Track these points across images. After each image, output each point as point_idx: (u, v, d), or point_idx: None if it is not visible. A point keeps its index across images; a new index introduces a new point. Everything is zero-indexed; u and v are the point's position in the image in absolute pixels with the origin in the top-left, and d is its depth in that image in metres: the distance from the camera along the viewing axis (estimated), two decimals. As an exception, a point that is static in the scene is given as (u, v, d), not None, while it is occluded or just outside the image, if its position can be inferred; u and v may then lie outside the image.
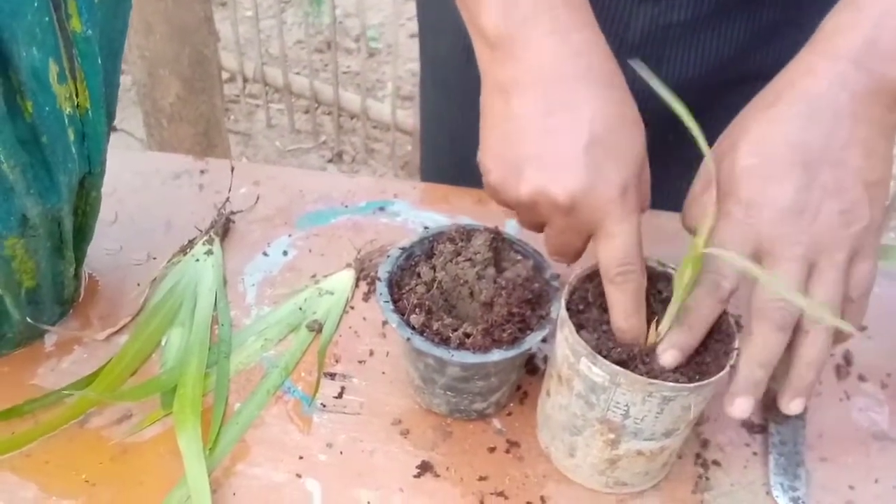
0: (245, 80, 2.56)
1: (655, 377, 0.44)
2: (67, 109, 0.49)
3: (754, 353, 0.46)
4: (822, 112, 0.46)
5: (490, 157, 0.50)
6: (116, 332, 0.60)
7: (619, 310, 0.47)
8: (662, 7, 0.67)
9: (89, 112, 0.51)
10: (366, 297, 0.65)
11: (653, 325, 0.46)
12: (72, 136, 0.50)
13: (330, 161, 2.47)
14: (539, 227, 0.52)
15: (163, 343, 0.59)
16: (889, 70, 0.45)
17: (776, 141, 0.47)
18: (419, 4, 0.86)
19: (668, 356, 0.46)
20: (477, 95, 0.82)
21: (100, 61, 0.50)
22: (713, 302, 0.46)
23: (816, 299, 0.46)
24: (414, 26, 0.91)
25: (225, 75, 2.40)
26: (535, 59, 0.47)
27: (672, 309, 0.45)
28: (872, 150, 0.46)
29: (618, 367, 0.44)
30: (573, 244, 0.50)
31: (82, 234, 0.59)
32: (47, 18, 0.45)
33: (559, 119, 0.47)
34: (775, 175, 0.46)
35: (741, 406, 0.47)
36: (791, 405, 0.49)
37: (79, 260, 0.60)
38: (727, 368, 0.45)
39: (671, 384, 0.43)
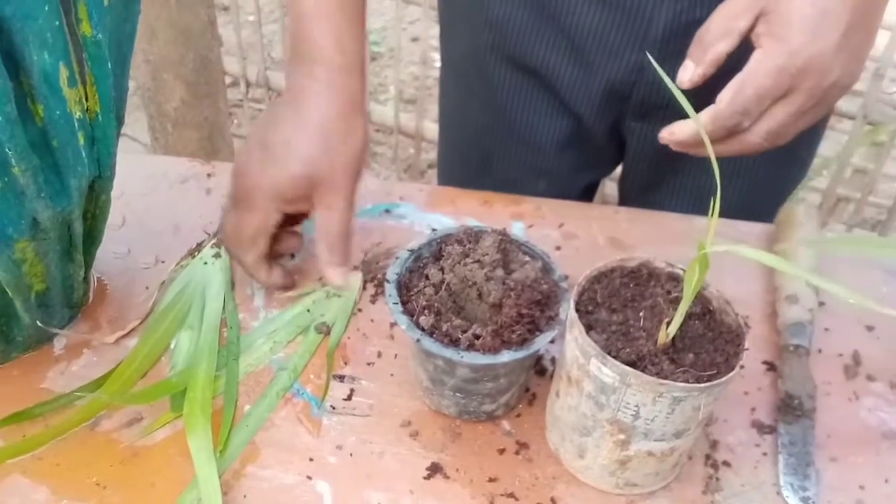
0: (248, 85, 2.56)
1: (665, 378, 0.44)
2: (77, 113, 0.49)
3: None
4: None
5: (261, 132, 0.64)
6: (125, 336, 0.60)
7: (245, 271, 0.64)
8: (685, 4, 0.67)
9: (99, 116, 0.51)
10: (373, 300, 0.65)
11: (663, 327, 0.46)
12: (82, 140, 0.50)
13: (333, 165, 2.47)
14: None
15: (172, 346, 0.59)
16: None
17: None
18: (441, 5, 0.87)
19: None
20: (498, 93, 0.82)
21: (109, 65, 0.50)
22: (728, 130, 0.56)
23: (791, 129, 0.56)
24: (415, 30, 0.92)
25: (228, 80, 2.41)
26: (298, 86, 0.61)
27: (682, 308, 0.45)
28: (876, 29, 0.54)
29: (628, 368, 0.44)
30: None
31: (92, 237, 0.59)
32: (58, 22, 0.45)
33: (269, 126, 0.62)
34: (825, 28, 0.52)
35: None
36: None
37: (88, 263, 0.60)
38: (737, 369, 0.45)
39: (682, 384, 0.43)
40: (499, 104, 0.81)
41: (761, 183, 0.80)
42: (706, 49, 0.57)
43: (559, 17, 0.72)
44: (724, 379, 0.44)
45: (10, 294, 0.52)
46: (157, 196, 0.74)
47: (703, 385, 0.43)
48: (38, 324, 0.56)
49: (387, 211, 0.74)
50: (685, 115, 0.47)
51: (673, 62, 0.69)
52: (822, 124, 0.82)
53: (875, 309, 0.40)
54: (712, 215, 0.43)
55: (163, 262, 0.67)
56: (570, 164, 0.84)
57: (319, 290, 0.64)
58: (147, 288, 0.64)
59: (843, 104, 1.80)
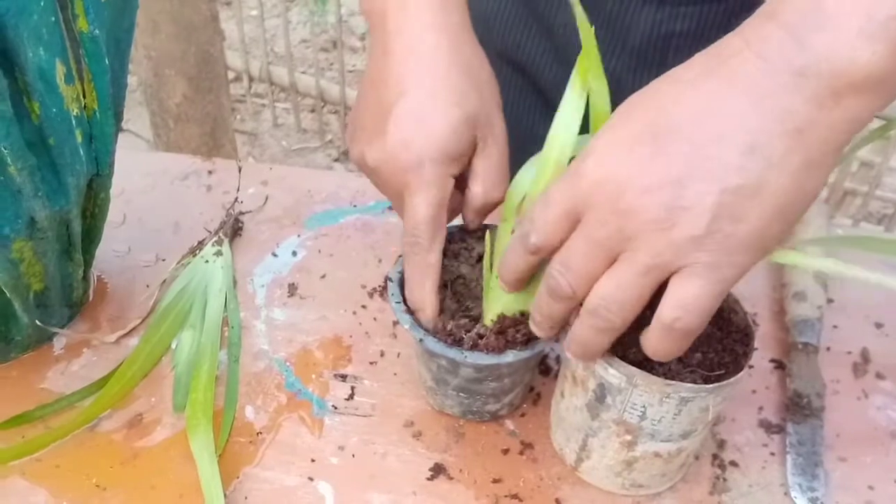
0: (251, 80, 2.56)
1: (673, 378, 0.43)
2: (75, 111, 0.49)
3: (535, 303, 0.44)
4: (716, 78, 0.37)
5: (350, 118, 0.54)
6: (126, 335, 0.60)
7: (406, 281, 0.51)
8: (665, 15, 0.66)
9: (97, 113, 0.51)
10: (371, 294, 0.64)
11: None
12: (79, 138, 0.50)
13: (336, 160, 2.46)
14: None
15: (173, 346, 0.59)
16: (827, 43, 0.34)
17: (643, 102, 0.39)
18: None
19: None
20: None
21: (107, 61, 0.49)
22: (520, 249, 0.43)
23: (598, 287, 0.39)
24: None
25: (230, 75, 2.40)
26: (393, 33, 0.50)
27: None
28: (761, 147, 0.35)
29: (635, 368, 0.43)
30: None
31: (91, 236, 0.58)
32: (53, 18, 0.44)
33: (382, 90, 0.49)
34: (622, 138, 0.38)
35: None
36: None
37: (87, 262, 0.59)
38: (746, 369, 0.44)
39: (689, 385, 0.42)
40: None
41: None
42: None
43: (544, 15, 0.72)
44: (732, 380, 0.43)
45: (7, 294, 0.51)
46: (157, 193, 0.73)
47: (710, 386, 0.43)
48: (38, 323, 0.56)
49: (389, 208, 0.73)
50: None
51: (649, 72, 0.68)
52: None
53: (892, 287, 0.38)
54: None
55: (163, 260, 0.66)
56: None
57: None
58: (148, 286, 0.64)
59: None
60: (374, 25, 0.51)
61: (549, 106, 0.78)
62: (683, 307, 0.37)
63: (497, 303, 0.49)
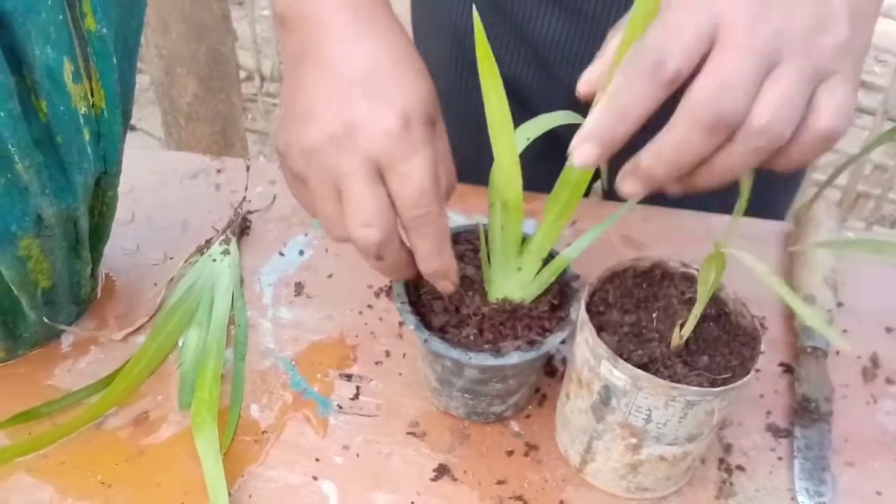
0: (262, 79, 2.56)
1: (678, 381, 0.43)
2: (83, 109, 0.49)
3: (664, 149, 0.38)
4: None
5: (280, 131, 0.47)
6: (133, 333, 0.60)
7: (420, 256, 0.46)
8: None
9: (105, 111, 0.51)
10: (378, 294, 0.64)
11: (676, 329, 0.45)
12: (87, 136, 0.50)
13: (347, 159, 2.46)
14: (331, 199, 0.46)
15: (180, 344, 0.59)
16: None
17: None
18: (413, 7, 0.86)
19: (581, 151, 0.39)
20: (467, 100, 0.80)
21: (115, 60, 0.49)
22: (652, 82, 0.37)
23: (767, 100, 0.36)
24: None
25: (242, 74, 2.41)
26: (317, 28, 0.45)
27: (697, 310, 0.44)
28: None
29: (640, 371, 0.43)
30: (375, 205, 0.44)
31: (99, 234, 0.58)
32: (61, 17, 0.44)
33: (332, 69, 0.44)
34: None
35: (586, 155, 0.40)
36: (625, 183, 0.41)
37: (95, 260, 0.60)
38: (752, 372, 0.44)
39: (695, 388, 0.42)
40: (469, 112, 0.80)
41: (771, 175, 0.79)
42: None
43: (521, 24, 0.70)
44: (738, 383, 0.43)
45: (15, 291, 0.52)
46: (166, 192, 0.73)
47: (716, 389, 0.42)
48: (45, 320, 0.56)
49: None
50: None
51: None
52: None
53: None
54: (736, 215, 0.42)
55: (171, 258, 0.67)
56: (546, 178, 0.82)
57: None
58: (155, 284, 0.64)
59: (864, 100, 1.77)
60: (295, 29, 0.46)
61: (532, 115, 0.78)
62: (840, 114, 0.37)
63: (499, 290, 0.50)
